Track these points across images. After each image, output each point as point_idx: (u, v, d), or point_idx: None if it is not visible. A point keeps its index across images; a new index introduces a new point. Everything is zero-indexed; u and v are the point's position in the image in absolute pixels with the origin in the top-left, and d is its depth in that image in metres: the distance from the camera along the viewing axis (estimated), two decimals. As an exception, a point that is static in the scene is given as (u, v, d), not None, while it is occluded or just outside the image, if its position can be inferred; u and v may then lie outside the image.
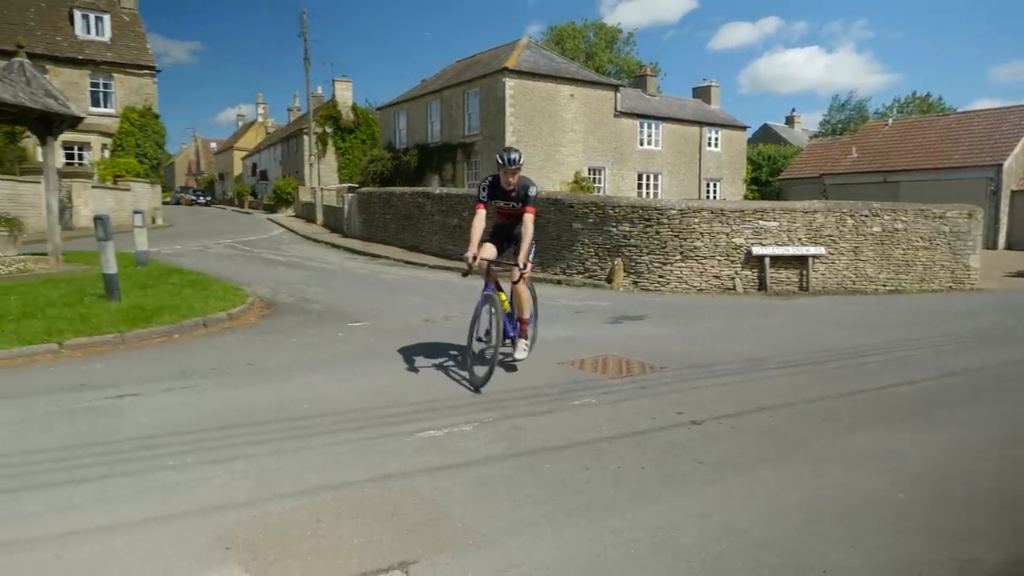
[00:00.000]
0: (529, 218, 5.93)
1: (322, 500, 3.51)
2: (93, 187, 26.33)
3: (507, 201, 6.08)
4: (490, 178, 6.06)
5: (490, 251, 6.10)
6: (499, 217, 6.30)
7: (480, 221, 5.94)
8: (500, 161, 5.84)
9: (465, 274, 6.07)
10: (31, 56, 28.43)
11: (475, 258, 5.76)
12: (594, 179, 31.85)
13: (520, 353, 6.21)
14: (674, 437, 4.55)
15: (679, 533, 3.22)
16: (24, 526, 3.18)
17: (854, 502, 3.58)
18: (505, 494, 3.62)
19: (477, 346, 5.91)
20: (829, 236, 13.76)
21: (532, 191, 5.96)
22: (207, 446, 4.25)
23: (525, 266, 5.76)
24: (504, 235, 6.33)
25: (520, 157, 5.88)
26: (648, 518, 3.37)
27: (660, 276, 13.28)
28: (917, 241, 14.44)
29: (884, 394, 5.78)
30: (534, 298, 6.56)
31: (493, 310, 5.78)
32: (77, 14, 32.22)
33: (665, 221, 13.21)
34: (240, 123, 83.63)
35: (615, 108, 32.45)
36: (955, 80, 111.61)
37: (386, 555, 2.97)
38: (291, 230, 29.87)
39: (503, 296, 6.01)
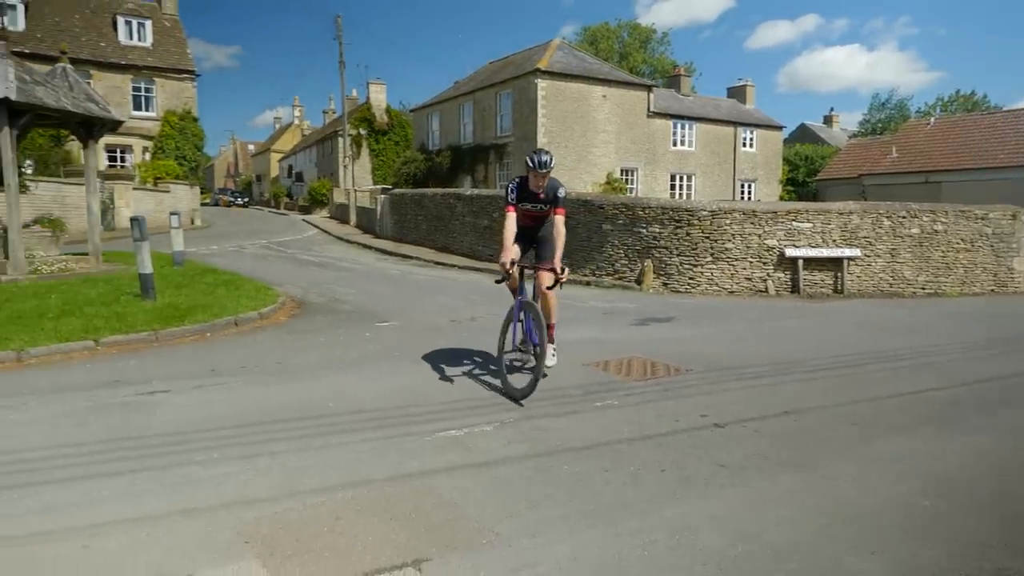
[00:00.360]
0: (560, 220, 5.75)
1: (342, 498, 3.56)
2: (134, 189, 27.02)
3: (534, 203, 5.87)
4: (517, 179, 5.86)
5: (516, 253, 5.86)
6: (522, 219, 5.99)
7: (512, 224, 5.73)
8: (530, 163, 5.64)
9: (500, 280, 5.78)
10: (77, 62, 29.29)
11: (513, 264, 5.55)
12: (626, 180, 31.66)
13: (550, 360, 6.06)
14: (696, 440, 4.52)
15: (696, 536, 3.20)
16: (56, 517, 3.29)
17: (877, 508, 3.52)
18: (523, 494, 3.63)
19: (511, 356, 5.90)
20: (865, 238, 13.49)
21: (561, 192, 5.78)
22: (233, 443, 4.34)
23: (562, 270, 5.43)
24: (527, 238, 6.08)
25: (551, 159, 5.64)
26: (666, 520, 3.35)
27: (690, 278, 13.15)
28: (957, 243, 14.08)
29: (915, 399, 5.65)
30: None
31: (532, 317, 5.54)
32: (120, 20, 33.08)
33: (696, 222, 13.09)
34: (277, 125, 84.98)
35: (648, 109, 32.21)
36: (1001, 79, 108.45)
37: (401, 553, 3.00)
38: (325, 231, 30.25)
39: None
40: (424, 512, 3.40)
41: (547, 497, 3.60)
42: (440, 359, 6.61)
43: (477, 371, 6.18)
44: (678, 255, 13.23)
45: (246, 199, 69.10)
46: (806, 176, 40.22)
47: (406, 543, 3.09)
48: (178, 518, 3.31)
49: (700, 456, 4.23)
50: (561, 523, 3.30)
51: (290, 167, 67.44)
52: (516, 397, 5.26)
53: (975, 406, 5.53)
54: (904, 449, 4.42)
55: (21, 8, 29.76)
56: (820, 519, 3.39)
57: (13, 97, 9.97)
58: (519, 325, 5.81)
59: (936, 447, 4.49)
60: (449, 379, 5.93)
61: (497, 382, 5.67)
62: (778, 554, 3.03)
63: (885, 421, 5.02)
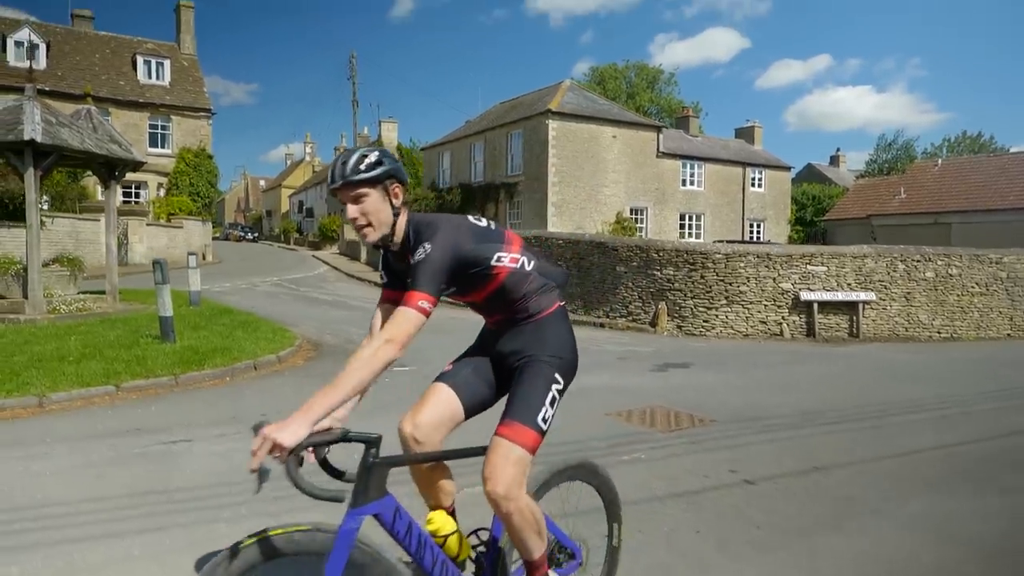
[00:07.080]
0: (408, 320, 2.17)
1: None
2: (147, 224, 27.29)
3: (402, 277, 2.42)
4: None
5: (444, 408, 2.70)
6: (486, 318, 2.81)
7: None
8: (330, 180, 2.35)
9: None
10: (96, 99, 29.82)
11: (297, 452, 1.76)
12: (636, 220, 31.82)
13: None
14: (729, 498, 4.44)
15: (737, 606, 3.12)
16: (84, 579, 3.24)
17: (924, 573, 3.43)
18: (556, 557, 3.55)
19: None
20: (880, 281, 13.46)
21: (423, 252, 2.24)
22: (259, 497, 4.27)
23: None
24: (497, 356, 2.71)
25: (369, 161, 2.27)
26: (704, 588, 3.28)
27: (705, 321, 13.11)
28: (972, 287, 14.03)
29: (944, 454, 5.55)
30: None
31: None
32: (140, 59, 33.80)
33: (710, 265, 13.10)
34: (288, 161, 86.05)
35: (657, 149, 32.53)
36: (1009, 121, 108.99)
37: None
38: (335, 268, 30.39)
39: (445, 527, 2.51)
40: None
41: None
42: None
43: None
44: (692, 297, 13.21)
45: (256, 234, 69.62)
46: (814, 215, 40.40)
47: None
48: (208, 580, 3.25)
49: (734, 516, 4.15)
50: (598, 590, 3.23)
51: (300, 203, 68.08)
52: None
53: (1009, 462, 5.42)
54: (939, 509, 4.33)
55: (43, 47, 30.42)
56: (862, 587, 3.31)
57: (39, 139, 10.13)
58: None
59: (973, 507, 4.38)
60: (464, 429, 5.84)
61: None
62: (824, 628, 2.95)
63: (916, 478, 4.92)
